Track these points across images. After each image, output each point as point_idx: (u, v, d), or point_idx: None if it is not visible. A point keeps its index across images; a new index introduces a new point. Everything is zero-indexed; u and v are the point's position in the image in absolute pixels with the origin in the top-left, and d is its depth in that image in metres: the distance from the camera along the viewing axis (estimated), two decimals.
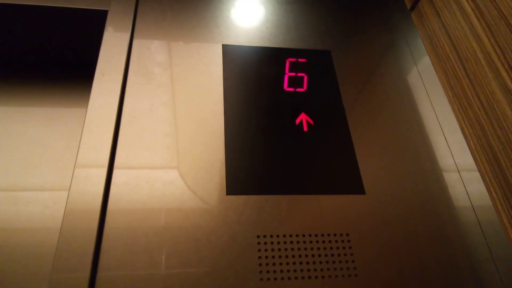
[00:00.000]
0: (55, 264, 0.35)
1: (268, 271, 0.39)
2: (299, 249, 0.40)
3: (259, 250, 0.40)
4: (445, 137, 0.51)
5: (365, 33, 0.62)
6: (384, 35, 0.62)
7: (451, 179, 0.47)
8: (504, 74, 0.44)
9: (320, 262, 0.40)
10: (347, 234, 0.42)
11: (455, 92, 0.52)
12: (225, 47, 0.55)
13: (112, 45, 0.50)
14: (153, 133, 0.45)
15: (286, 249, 0.40)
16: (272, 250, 0.40)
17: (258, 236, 0.40)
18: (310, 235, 0.41)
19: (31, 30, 0.57)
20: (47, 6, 0.52)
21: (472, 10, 0.49)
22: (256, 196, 0.43)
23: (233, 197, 0.42)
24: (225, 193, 0.43)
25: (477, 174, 0.47)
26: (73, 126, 0.57)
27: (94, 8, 0.53)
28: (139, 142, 0.44)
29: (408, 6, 0.65)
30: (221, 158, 0.45)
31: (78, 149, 0.42)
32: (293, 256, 0.40)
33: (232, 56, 0.54)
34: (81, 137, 0.43)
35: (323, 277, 0.39)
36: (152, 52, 0.52)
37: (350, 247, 0.41)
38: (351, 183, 0.46)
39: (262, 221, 0.41)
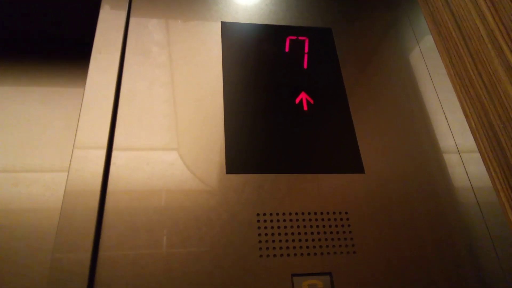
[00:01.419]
0: (57, 244, 0.36)
1: (267, 248, 0.39)
2: (298, 226, 0.41)
3: (259, 227, 0.40)
4: (446, 116, 0.51)
5: (367, 10, 0.60)
6: (386, 12, 0.60)
7: (451, 160, 0.47)
8: (507, 52, 0.43)
9: (319, 240, 0.40)
10: (346, 213, 0.42)
11: (457, 71, 0.52)
12: (223, 25, 0.54)
13: (108, 23, 0.49)
14: (152, 114, 0.45)
15: (285, 227, 0.41)
16: (272, 228, 0.40)
17: (258, 214, 0.41)
18: (309, 213, 0.42)
19: (26, 9, 0.56)
20: None
21: None
22: (256, 175, 0.43)
23: (232, 176, 0.43)
24: (225, 172, 0.43)
25: (477, 155, 0.47)
26: (72, 105, 0.57)
27: None
28: (138, 122, 0.44)
29: None
30: (220, 138, 0.45)
31: (77, 129, 0.42)
32: (293, 234, 0.40)
33: (231, 34, 0.53)
34: (79, 117, 0.42)
35: (322, 253, 0.40)
36: (149, 30, 0.51)
37: (348, 225, 0.42)
38: (350, 162, 0.46)
39: (262, 199, 0.42)
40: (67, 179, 0.39)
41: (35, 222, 0.49)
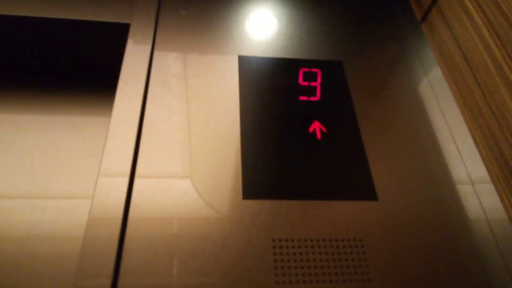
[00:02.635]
0: (78, 270, 0.36)
1: (283, 274, 0.40)
2: (313, 253, 0.41)
3: (275, 253, 0.41)
4: (457, 145, 0.52)
5: (376, 43, 0.63)
6: (395, 45, 0.63)
7: (463, 188, 0.48)
8: None
9: (335, 267, 0.41)
10: (361, 240, 0.43)
11: (466, 101, 0.53)
12: (240, 58, 0.57)
13: (134, 57, 0.52)
14: (170, 143, 0.47)
15: (301, 253, 0.41)
16: (287, 254, 0.41)
17: (274, 240, 0.42)
18: (324, 240, 0.42)
19: (57, 42, 0.60)
20: (73, 19, 0.55)
21: (482, 21, 0.51)
22: (271, 201, 0.44)
23: (249, 202, 0.44)
24: (241, 197, 0.44)
25: (489, 183, 0.48)
26: (95, 133, 0.60)
27: (117, 21, 0.55)
28: (159, 151, 0.46)
29: (418, 18, 0.67)
30: (237, 164, 0.46)
31: (102, 157, 0.44)
32: (308, 260, 0.41)
33: (247, 67, 0.56)
34: (105, 145, 0.44)
35: (337, 281, 0.40)
36: (172, 63, 0.54)
37: (363, 253, 0.42)
38: (364, 189, 0.47)
39: (277, 225, 0.43)
40: (91, 205, 0.40)
41: (57, 249, 0.50)
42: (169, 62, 0.54)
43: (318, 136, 0.51)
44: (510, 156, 0.45)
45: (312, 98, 0.55)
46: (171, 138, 0.47)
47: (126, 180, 0.43)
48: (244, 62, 0.56)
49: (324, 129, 0.51)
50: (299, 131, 0.51)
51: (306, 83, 0.56)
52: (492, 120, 0.48)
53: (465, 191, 0.48)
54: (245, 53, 0.58)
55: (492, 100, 0.48)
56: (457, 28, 0.56)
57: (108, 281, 0.36)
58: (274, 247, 0.41)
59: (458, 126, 0.53)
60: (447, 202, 0.47)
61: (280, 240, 0.42)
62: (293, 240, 0.42)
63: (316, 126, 0.52)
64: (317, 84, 0.56)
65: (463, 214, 0.46)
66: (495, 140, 0.47)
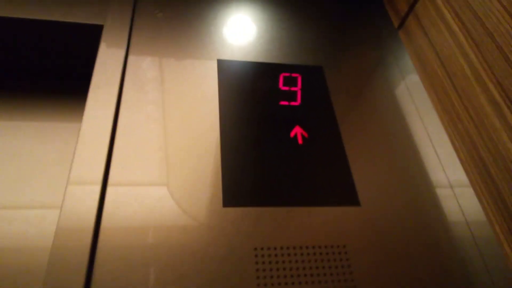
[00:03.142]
0: (46, 283, 0.34)
1: (265, 284, 0.38)
2: (296, 261, 0.40)
3: (257, 262, 0.39)
4: (436, 150, 0.52)
5: (355, 49, 0.63)
6: (373, 51, 0.63)
7: (443, 192, 0.48)
8: (492, 88, 0.45)
9: (318, 274, 0.40)
10: (344, 246, 0.42)
11: (444, 106, 0.54)
12: (220, 62, 0.55)
13: (107, 60, 0.50)
14: (149, 149, 0.45)
15: (283, 262, 0.40)
16: (270, 262, 0.40)
17: (255, 249, 0.40)
18: (307, 247, 0.41)
19: (25, 43, 0.57)
20: (43, 20, 0.52)
21: (459, 28, 0.52)
22: (253, 208, 0.43)
23: (229, 209, 0.42)
24: (221, 205, 0.42)
25: (468, 187, 0.48)
26: (66, 140, 0.57)
27: (89, 22, 0.53)
28: (134, 158, 0.44)
29: (396, 24, 0.67)
30: (217, 171, 0.45)
31: (72, 165, 0.41)
32: (291, 269, 0.40)
33: (227, 71, 0.55)
34: (74, 153, 0.42)
35: None
36: (146, 67, 0.52)
37: (347, 259, 0.41)
38: (346, 195, 0.46)
39: (260, 233, 0.41)
40: (59, 215, 0.38)
41: (24, 261, 0.47)
42: (144, 66, 0.52)
43: (300, 141, 0.50)
44: (489, 160, 0.45)
45: (293, 103, 0.54)
46: (146, 144, 0.45)
47: (98, 188, 0.40)
48: (223, 66, 0.55)
49: (305, 134, 0.51)
50: (280, 136, 0.50)
51: (286, 88, 0.56)
52: (470, 125, 0.49)
53: (445, 194, 0.48)
54: (224, 57, 0.56)
55: (470, 105, 0.49)
56: (434, 34, 0.57)
57: None
58: (256, 255, 0.40)
59: (437, 131, 0.54)
60: (427, 206, 0.47)
61: (262, 249, 0.40)
62: (275, 248, 0.40)
63: (297, 131, 0.51)
64: (298, 89, 0.56)
65: (443, 217, 0.46)
66: (474, 144, 0.48)
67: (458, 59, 0.51)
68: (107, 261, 0.37)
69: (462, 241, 0.44)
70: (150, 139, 0.46)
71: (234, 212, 0.42)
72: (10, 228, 0.50)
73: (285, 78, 0.57)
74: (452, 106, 0.52)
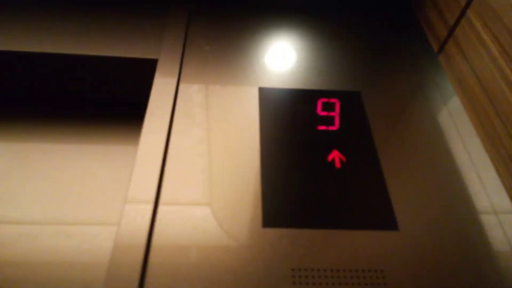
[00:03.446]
0: None
1: None
2: (333, 283, 0.41)
3: (294, 283, 0.41)
4: (479, 175, 0.51)
5: (394, 74, 0.64)
6: (412, 76, 0.64)
7: (486, 218, 0.47)
8: None
9: None
10: (382, 270, 0.42)
11: (486, 131, 0.53)
12: (261, 90, 0.59)
13: (161, 89, 0.55)
14: (193, 170, 0.49)
15: (320, 284, 0.41)
16: (307, 284, 0.41)
17: (293, 270, 0.42)
18: (344, 270, 0.42)
19: (90, 76, 0.64)
20: (106, 56, 0.59)
21: (498, 51, 0.51)
22: (291, 229, 0.45)
23: (269, 230, 0.44)
24: (261, 225, 0.45)
25: None
26: (121, 161, 0.62)
27: (146, 57, 0.59)
28: (183, 179, 0.48)
29: (435, 49, 0.68)
30: (257, 193, 0.47)
31: (129, 185, 0.45)
32: None
33: (267, 98, 0.58)
34: (132, 173, 0.46)
35: None
36: (195, 95, 0.57)
37: (384, 284, 0.41)
38: (384, 219, 0.46)
39: (297, 254, 0.43)
40: (117, 232, 0.42)
41: (82, 276, 0.51)
42: (192, 94, 0.57)
43: (337, 165, 0.52)
44: None
45: (331, 128, 0.56)
46: (193, 166, 0.49)
47: (150, 207, 0.44)
48: (264, 93, 0.59)
49: (343, 158, 0.52)
50: (318, 160, 0.52)
51: (324, 113, 0.58)
52: None
53: (489, 221, 0.47)
54: (265, 84, 0.60)
55: None
56: (474, 58, 0.57)
57: None
58: (293, 276, 0.41)
59: (480, 157, 0.53)
60: (469, 232, 0.46)
61: (299, 270, 0.42)
62: (312, 270, 0.42)
63: (335, 155, 0.53)
64: (336, 114, 0.58)
65: (487, 244, 0.45)
66: None
67: (499, 83, 0.51)
68: (157, 277, 0.40)
69: (508, 271, 0.43)
70: (197, 161, 0.50)
71: (273, 232, 0.44)
72: (69, 242, 0.54)
73: (323, 103, 0.59)
74: (495, 131, 0.51)
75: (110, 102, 0.69)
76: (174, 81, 0.57)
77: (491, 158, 0.52)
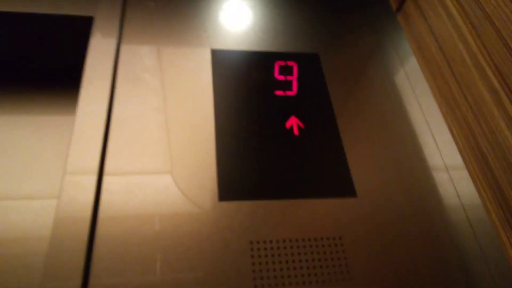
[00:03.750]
0: (46, 274, 0.35)
1: (262, 278, 0.38)
2: (292, 254, 0.40)
3: (252, 256, 0.39)
4: (434, 137, 0.51)
5: (352, 34, 0.62)
6: (370, 36, 0.62)
7: (441, 179, 0.48)
8: (491, 75, 0.44)
9: (314, 267, 0.40)
10: (340, 238, 0.42)
11: (443, 93, 0.53)
12: (213, 52, 0.54)
13: (99, 52, 0.49)
14: (144, 139, 0.45)
15: (279, 255, 0.40)
16: (266, 256, 0.40)
17: (251, 242, 0.40)
18: (303, 240, 0.41)
19: (14, 38, 0.56)
20: (31, 13, 0.51)
21: (457, 11, 0.50)
22: (249, 202, 0.43)
23: (225, 203, 0.42)
24: (217, 199, 0.42)
25: (466, 173, 0.48)
26: (62, 133, 0.57)
27: (79, 14, 0.52)
28: (130, 148, 0.44)
29: (394, 7, 0.66)
30: (212, 164, 0.45)
31: (67, 156, 0.41)
32: (287, 262, 0.40)
33: (221, 61, 0.54)
34: (69, 144, 0.42)
35: (317, 282, 0.39)
36: (140, 57, 0.51)
37: (343, 251, 0.41)
38: (342, 186, 0.46)
39: (255, 226, 0.41)
40: (57, 205, 0.38)
41: (23, 252, 0.48)
42: (137, 56, 0.51)
43: (296, 132, 0.49)
44: (486, 146, 0.45)
45: (289, 93, 0.53)
46: (146, 135, 0.45)
47: (94, 178, 0.41)
48: (217, 56, 0.54)
49: (301, 125, 0.50)
50: (275, 127, 0.49)
51: (282, 77, 0.55)
52: (468, 112, 0.48)
53: (442, 182, 0.48)
54: (218, 46, 0.55)
55: (468, 92, 0.48)
56: (432, 18, 0.55)
57: (77, 283, 0.35)
58: (252, 249, 0.40)
59: (436, 119, 0.53)
60: (425, 194, 0.47)
61: (258, 242, 0.40)
62: (271, 242, 0.41)
63: (293, 122, 0.50)
64: (294, 78, 0.55)
65: (440, 205, 0.46)
66: (472, 132, 0.47)
67: (456, 44, 0.50)
68: (105, 250, 0.37)
69: (459, 228, 0.44)
70: (144, 130, 0.45)
71: (230, 206, 0.42)
72: (9, 217, 0.50)
73: (280, 66, 0.56)
74: (451, 93, 0.51)
75: (43, 68, 0.61)
76: (114, 42, 0.50)
77: (447, 120, 0.52)
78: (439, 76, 0.54)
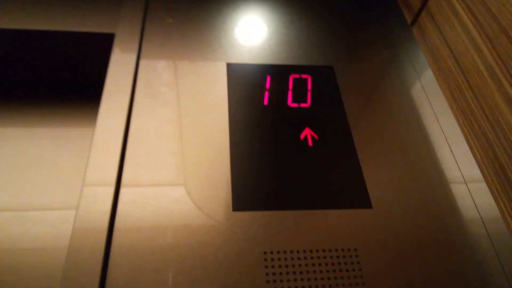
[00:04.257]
0: (64, 283, 0.35)
1: None
2: (306, 265, 0.40)
3: (266, 266, 0.39)
4: (451, 149, 0.51)
5: (367, 48, 0.62)
6: (386, 49, 0.62)
7: (459, 191, 0.47)
8: (507, 86, 0.44)
9: (329, 278, 0.39)
10: (355, 249, 0.42)
11: (459, 104, 0.53)
12: (229, 66, 0.56)
13: (119, 67, 0.51)
14: (159, 151, 0.46)
15: (293, 265, 0.40)
16: (280, 266, 0.40)
17: (265, 253, 0.40)
18: (317, 251, 0.41)
19: (40, 53, 0.59)
20: (56, 30, 0.54)
21: (472, 24, 0.50)
22: (263, 212, 0.43)
23: (239, 214, 0.43)
24: (231, 209, 0.43)
25: (484, 185, 0.47)
26: (81, 145, 0.58)
27: (101, 31, 0.54)
28: (146, 160, 0.45)
29: (409, 21, 0.66)
30: (227, 175, 0.45)
31: (86, 167, 0.43)
32: (301, 272, 0.40)
33: (236, 74, 0.55)
34: (89, 156, 0.43)
35: None
36: (158, 72, 0.53)
37: (358, 262, 0.41)
38: (357, 197, 0.45)
39: (269, 237, 0.41)
40: (75, 216, 0.39)
41: (41, 261, 0.49)
42: (155, 71, 0.53)
43: (310, 143, 0.50)
44: (504, 158, 0.44)
45: (303, 105, 0.54)
46: (162, 147, 0.46)
47: (111, 190, 0.42)
48: (232, 69, 0.55)
49: (315, 136, 0.50)
50: (290, 139, 0.50)
51: (296, 89, 0.55)
52: (485, 124, 0.47)
53: (460, 194, 0.47)
54: (233, 60, 0.57)
55: (484, 103, 0.47)
56: (447, 31, 0.55)
57: None
58: (265, 259, 0.40)
59: (452, 130, 0.53)
60: (442, 206, 0.46)
61: (271, 253, 0.40)
62: (285, 252, 0.41)
63: (307, 133, 0.51)
64: (308, 90, 0.55)
65: (458, 217, 0.45)
66: (489, 143, 0.47)
67: (472, 56, 0.50)
68: (121, 261, 0.38)
69: (477, 240, 0.43)
70: (161, 143, 0.47)
71: (244, 216, 0.42)
72: (27, 229, 0.52)
73: (295, 79, 0.56)
74: (467, 104, 0.51)
75: (65, 82, 0.64)
76: (133, 57, 0.52)
77: (463, 131, 0.52)
78: (455, 87, 0.53)
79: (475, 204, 0.46)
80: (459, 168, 0.49)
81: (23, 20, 0.54)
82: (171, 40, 0.57)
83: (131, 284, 0.37)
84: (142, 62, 0.53)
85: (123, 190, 0.42)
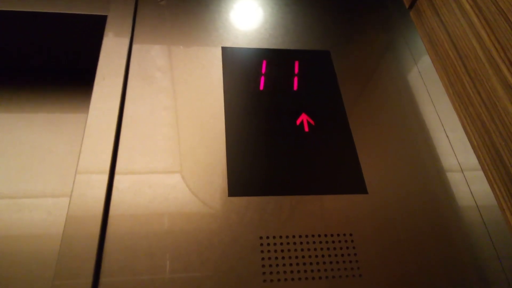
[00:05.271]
0: (57, 270, 0.35)
1: (271, 273, 0.38)
2: (302, 250, 0.40)
3: (262, 251, 0.40)
4: (447, 135, 0.51)
5: (364, 32, 0.62)
6: (383, 34, 0.61)
7: (454, 178, 0.47)
8: (505, 70, 0.43)
9: (324, 263, 0.40)
10: (351, 234, 0.42)
11: (456, 89, 0.52)
12: (224, 50, 0.55)
13: (112, 50, 0.50)
14: (154, 137, 0.45)
15: (289, 250, 0.40)
16: (275, 251, 0.40)
17: (261, 238, 0.40)
18: (313, 236, 0.41)
19: (30, 36, 0.57)
20: (46, 12, 0.52)
21: (471, 7, 0.49)
22: (258, 198, 0.43)
23: (235, 199, 0.42)
24: (227, 195, 0.42)
25: (480, 173, 0.47)
26: (75, 131, 0.58)
27: (93, 13, 0.53)
28: (140, 146, 0.44)
29: (407, 5, 0.65)
30: (222, 160, 0.45)
31: (79, 154, 0.42)
32: (297, 257, 0.40)
33: (231, 58, 0.54)
34: (82, 142, 0.43)
35: (327, 277, 0.39)
36: (152, 56, 0.52)
37: (353, 247, 0.41)
38: (353, 182, 0.45)
39: (265, 222, 0.41)
40: (69, 203, 0.39)
41: (36, 248, 0.48)
42: (148, 55, 0.52)
43: (306, 128, 0.49)
44: (501, 144, 0.44)
45: (299, 90, 0.53)
46: (157, 133, 0.46)
47: (105, 177, 0.41)
48: (227, 53, 0.54)
49: (311, 122, 0.50)
50: (285, 124, 0.49)
51: (292, 74, 0.55)
52: (482, 109, 0.47)
53: (455, 180, 0.47)
54: (229, 44, 0.56)
55: (481, 88, 0.47)
56: (445, 14, 0.55)
57: (88, 280, 0.35)
58: (261, 244, 0.40)
59: (448, 115, 0.52)
60: (437, 192, 0.46)
61: (267, 238, 0.40)
62: (280, 237, 0.41)
63: (303, 119, 0.50)
64: (304, 75, 0.55)
65: (454, 203, 0.45)
66: (485, 128, 0.46)
67: (470, 40, 0.49)
68: (117, 246, 0.38)
69: (472, 227, 0.44)
70: (156, 128, 0.46)
71: (239, 201, 0.42)
72: (22, 215, 0.51)
73: (291, 64, 0.56)
74: (464, 89, 0.50)
75: (57, 67, 0.63)
76: (126, 41, 0.51)
77: (460, 117, 0.51)
78: (452, 72, 0.53)
79: (470, 190, 0.46)
80: (455, 154, 0.49)
81: (11, 1, 0.53)
82: (164, 23, 0.56)
83: (126, 269, 0.37)
84: (135, 46, 0.52)
85: (117, 177, 0.42)
